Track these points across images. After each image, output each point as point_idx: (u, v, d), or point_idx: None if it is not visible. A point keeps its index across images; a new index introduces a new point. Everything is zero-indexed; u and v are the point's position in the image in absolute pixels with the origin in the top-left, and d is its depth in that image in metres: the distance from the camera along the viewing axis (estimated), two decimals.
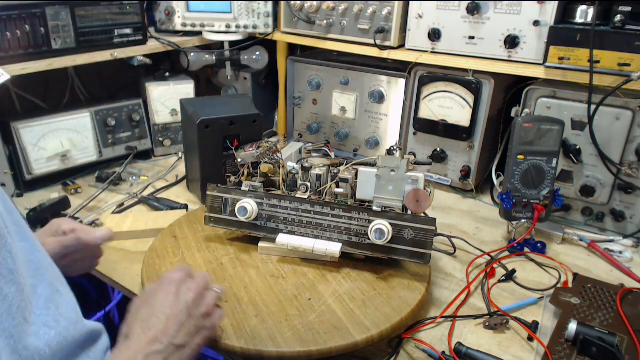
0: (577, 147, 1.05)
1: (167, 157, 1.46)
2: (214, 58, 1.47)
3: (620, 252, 1.00)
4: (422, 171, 0.85)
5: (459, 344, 0.73)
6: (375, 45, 1.22)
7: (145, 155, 1.45)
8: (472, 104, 1.16)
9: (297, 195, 0.90)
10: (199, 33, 1.43)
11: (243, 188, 0.93)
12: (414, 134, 1.28)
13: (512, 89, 1.21)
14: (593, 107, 0.98)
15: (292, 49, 1.51)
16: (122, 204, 1.18)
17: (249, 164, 0.95)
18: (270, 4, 1.39)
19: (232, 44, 1.46)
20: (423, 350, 0.75)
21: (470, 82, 1.15)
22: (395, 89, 1.30)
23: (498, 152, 1.19)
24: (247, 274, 0.85)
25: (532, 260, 0.99)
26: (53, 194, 1.19)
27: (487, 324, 0.80)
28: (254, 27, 1.41)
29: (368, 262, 0.87)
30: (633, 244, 1.03)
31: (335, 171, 0.91)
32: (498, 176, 1.15)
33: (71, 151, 1.26)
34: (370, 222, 0.83)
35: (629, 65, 0.93)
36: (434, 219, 0.81)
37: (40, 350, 0.51)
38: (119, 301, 1.44)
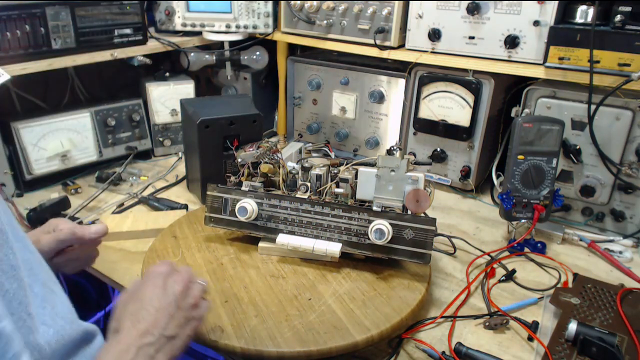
0: (577, 147, 1.05)
1: (167, 157, 1.46)
2: (214, 58, 1.47)
3: (620, 252, 1.00)
4: (422, 171, 0.85)
5: (459, 344, 0.73)
6: (375, 45, 1.22)
7: (145, 155, 1.45)
8: (472, 104, 1.16)
9: (297, 195, 0.90)
10: (199, 33, 1.43)
11: (243, 188, 0.93)
12: (414, 134, 1.28)
13: (512, 89, 1.21)
14: (593, 107, 0.98)
15: (292, 49, 1.51)
16: (122, 204, 1.18)
17: (249, 164, 0.95)
18: (270, 4, 1.39)
19: (232, 44, 1.46)
20: (423, 350, 0.75)
21: (470, 82, 1.15)
22: (395, 89, 1.30)
23: (498, 152, 1.19)
24: (247, 274, 0.85)
25: (532, 260, 0.99)
26: (53, 194, 1.19)
27: (487, 324, 0.80)
28: (254, 27, 1.41)
29: (368, 262, 0.87)
30: (633, 244, 1.03)
31: (335, 171, 0.91)
32: (498, 176, 1.15)
33: (71, 151, 1.26)
34: (370, 222, 0.83)
35: (629, 65, 0.93)
36: (434, 219, 0.81)
37: (40, 348, 0.51)
38: None
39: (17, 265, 0.49)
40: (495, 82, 1.13)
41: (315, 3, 1.29)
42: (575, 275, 0.91)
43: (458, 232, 1.08)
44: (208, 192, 0.93)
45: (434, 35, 1.14)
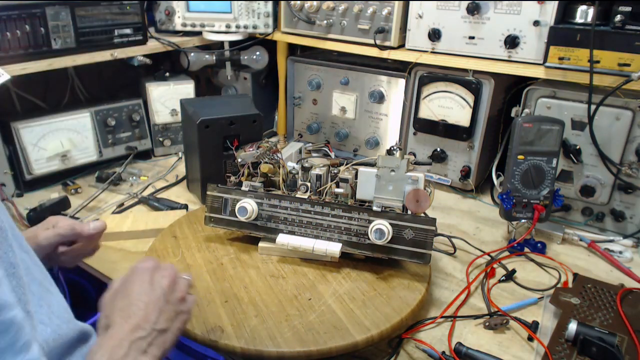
0: (577, 147, 1.05)
1: (167, 157, 1.46)
2: (214, 58, 1.47)
3: (620, 252, 1.00)
4: (422, 171, 0.85)
5: (459, 344, 0.73)
6: (375, 45, 1.22)
7: (145, 155, 1.45)
8: (472, 104, 1.16)
9: (297, 195, 0.90)
10: (199, 33, 1.43)
11: (243, 188, 0.93)
12: (414, 134, 1.28)
13: (512, 89, 1.21)
14: (593, 107, 0.98)
15: (292, 49, 1.51)
16: (122, 204, 1.18)
17: (249, 164, 0.95)
18: (270, 4, 1.39)
19: (232, 44, 1.46)
20: (423, 350, 0.75)
21: (470, 82, 1.15)
22: (395, 89, 1.30)
23: (498, 152, 1.19)
24: (247, 274, 0.85)
25: (532, 260, 0.99)
26: (53, 194, 1.19)
27: (487, 324, 0.80)
28: (254, 27, 1.41)
29: (368, 262, 0.87)
30: (633, 244, 1.03)
31: (335, 171, 0.91)
32: (498, 176, 1.15)
33: (71, 151, 1.26)
34: (370, 222, 0.83)
35: (629, 65, 0.93)
36: (434, 219, 0.81)
37: (40, 346, 0.51)
38: None
39: (16, 263, 0.49)
40: (495, 82, 1.13)
41: (315, 3, 1.29)
42: (575, 275, 0.91)
43: (458, 232, 1.08)
44: (208, 192, 0.93)
45: (434, 35, 1.14)
